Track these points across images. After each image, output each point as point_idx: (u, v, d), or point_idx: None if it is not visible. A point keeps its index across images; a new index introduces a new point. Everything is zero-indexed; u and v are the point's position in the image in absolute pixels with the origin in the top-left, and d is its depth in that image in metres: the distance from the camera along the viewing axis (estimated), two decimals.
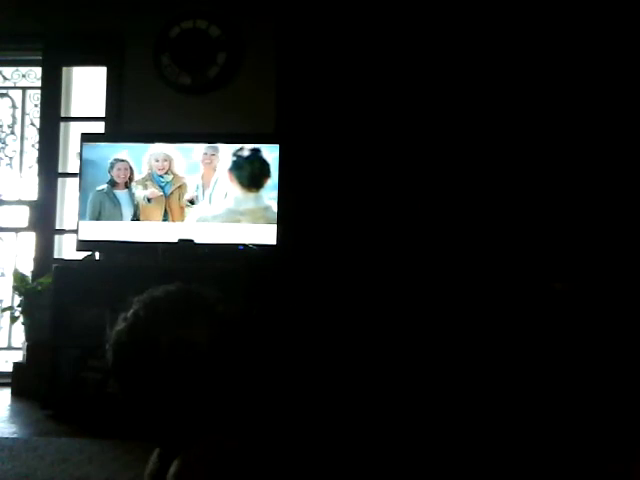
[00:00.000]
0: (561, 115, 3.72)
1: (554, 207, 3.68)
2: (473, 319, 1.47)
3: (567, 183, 3.69)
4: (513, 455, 1.38)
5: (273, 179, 3.67)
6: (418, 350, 1.50)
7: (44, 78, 4.27)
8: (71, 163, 4.33)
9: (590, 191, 3.66)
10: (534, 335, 1.42)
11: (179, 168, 3.74)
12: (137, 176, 3.76)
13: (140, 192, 3.75)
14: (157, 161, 3.76)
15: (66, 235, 4.23)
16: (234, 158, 3.72)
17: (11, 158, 4.51)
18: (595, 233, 3.60)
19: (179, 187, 3.74)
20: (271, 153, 3.68)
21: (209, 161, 3.71)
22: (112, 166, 3.77)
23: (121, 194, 3.77)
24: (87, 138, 3.86)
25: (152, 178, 3.76)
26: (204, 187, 3.71)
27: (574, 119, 3.70)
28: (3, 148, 4.51)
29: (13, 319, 4.04)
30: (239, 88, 4.05)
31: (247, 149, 3.71)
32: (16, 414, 3.48)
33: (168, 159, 3.75)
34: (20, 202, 4.35)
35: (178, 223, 3.74)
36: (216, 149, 3.72)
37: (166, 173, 3.75)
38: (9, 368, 3.95)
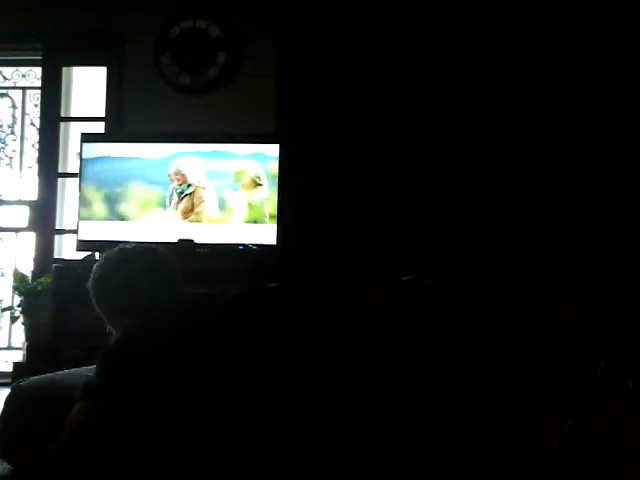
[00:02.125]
0: (570, 118, 3.72)
1: (562, 211, 3.69)
2: (477, 324, 1.47)
3: (573, 185, 3.69)
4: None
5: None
6: (421, 352, 1.50)
7: (44, 78, 4.26)
8: (71, 163, 4.33)
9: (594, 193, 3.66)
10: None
11: (193, 177, 3.75)
12: None
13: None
14: (176, 174, 3.77)
15: (66, 235, 4.23)
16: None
17: (11, 158, 4.51)
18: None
19: (193, 192, 3.75)
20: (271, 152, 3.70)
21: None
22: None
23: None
24: (87, 138, 3.87)
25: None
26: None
27: (584, 123, 3.70)
28: (3, 148, 4.51)
29: (13, 319, 4.04)
30: (239, 88, 4.05)
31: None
32: None
33: (179, 173, 3.77)
34: (20, 202, 4.35)
35: (178, 223, 3.74)
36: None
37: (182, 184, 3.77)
38: (9, 368, 3.95)
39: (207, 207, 3.73)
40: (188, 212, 3.75)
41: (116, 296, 1.78)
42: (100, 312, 1.85)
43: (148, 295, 1.75)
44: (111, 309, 1.81)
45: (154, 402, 1.51)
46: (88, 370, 1.96)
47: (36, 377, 1.87)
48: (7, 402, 1.78)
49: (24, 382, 1.83)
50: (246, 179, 3.71)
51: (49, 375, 1.92)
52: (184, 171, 3.76)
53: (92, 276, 1.86)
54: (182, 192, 3.76)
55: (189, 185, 3.76)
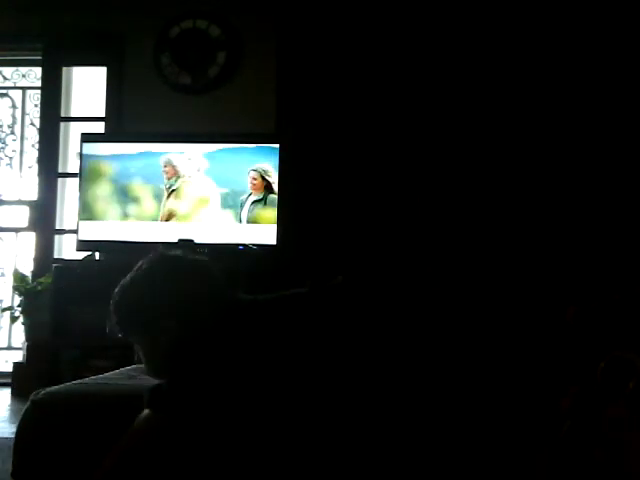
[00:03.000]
0: (566, 116, 3.72)
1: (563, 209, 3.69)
2: (478, 323, 1.48)
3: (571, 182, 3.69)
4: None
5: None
6: (419, 351, 1.49)
7: (44, 78, 4.27)
8: (71, 163, 4.33)
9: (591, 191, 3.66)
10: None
11: (185, 170, 3.75)
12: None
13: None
14: (165, 166, 3.77)
15: (66, 235, 4.23)
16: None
17: (11, 158, 4.51)
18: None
19: (179, 188, 3.75)
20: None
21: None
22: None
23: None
24: (87, 138, 3.87)
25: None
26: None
27: (580, 121, 3.70)
28: (3, 148, 4.51)
29: (13, 319, 4.04)
30: (239, 88, 4.05)
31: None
32: (16, 414, 3.48)
33: (169, 164, 3.76)
34: (20, 202, 4.35)
35: (178, 223, 3.74)
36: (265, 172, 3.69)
37: (170, 177, 3.76)
38: (9, 368, 3.95)
39: (194, 204, 3.73)
40: (174, 209, 3.75)
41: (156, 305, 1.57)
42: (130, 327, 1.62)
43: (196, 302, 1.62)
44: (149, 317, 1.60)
45: (220, 413, 1.45)
46: (105, 378, 1.89)
47: (53, 388, 1.76)
48: (25, 416, 1.67)
49: (41, 395, 1.70)
50: (255, 178, 3.70)
51: (66, 386, 1.80)
52: (174, 163, 3.75)
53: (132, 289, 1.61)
54: (170, 187, 3.75)
55: (177, 179, 3.75)
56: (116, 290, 1.61)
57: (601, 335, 1.39)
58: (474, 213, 3.75)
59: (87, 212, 3.77)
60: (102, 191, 3.77)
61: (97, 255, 3.93)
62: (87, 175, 3.78)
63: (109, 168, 3.77)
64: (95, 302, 3.57)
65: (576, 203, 3.66)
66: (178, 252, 1.68)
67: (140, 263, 1.63)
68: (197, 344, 1.51)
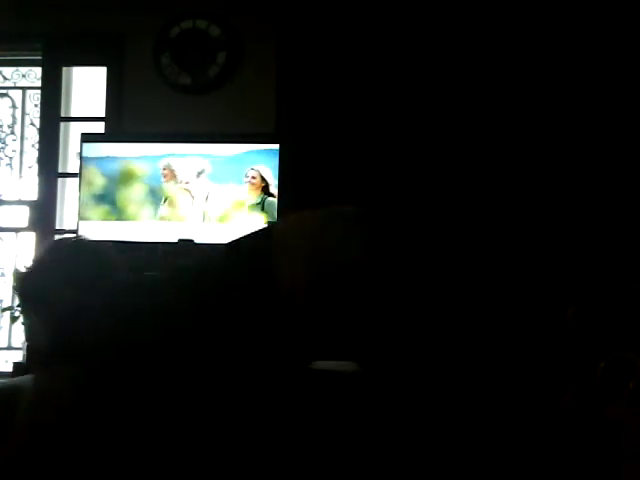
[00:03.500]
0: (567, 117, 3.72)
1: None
2: (477, 323, 1.48)
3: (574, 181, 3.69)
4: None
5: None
6: (418, 349, 1.49)
7: (44, 78, 4.27)
8: (71, 163, 4.33)
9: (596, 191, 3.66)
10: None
11: (183, 175, 3.75)
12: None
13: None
14: (164, 169, 3.78)
15: (66, 235, 4.23)
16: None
17: (11, 158, 4.51)
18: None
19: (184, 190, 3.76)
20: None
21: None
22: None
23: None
24: (87, 138, 3.87)
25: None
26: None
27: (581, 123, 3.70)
28: (3, 148, 4.51)
29: (13, 319, 4.04)
30: (239, 88, 4.06)
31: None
32: None
33: (167, 168, 3.77)
34: (20, 202, 4.35)
35: (178, 223, 3.74)
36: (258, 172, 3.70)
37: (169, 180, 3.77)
38: (9, 368, 3.95)
39: (194, 206, 3.73)
40: (174, 211, 3.76)
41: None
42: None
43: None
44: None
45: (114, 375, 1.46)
46: None
47: None
48: None
49: None
50: (254, 177, 3.71)
51: (7, 382, 1.87)
52: (173, 167, 3.75)
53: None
54: (170, 188, 3.76)
55: (176, 182, 3.75)
56: (21, 270, 1.93)
57: (601, 335, 1.39)
58: (475, 215, 3.75)
59: (116, 212, 3.79)
60: (133, 193, 3.78)
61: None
62: (119, 177, 3.80)
63: (139, 170, 3.79)
64: None
65: (576, 203, 3.66)
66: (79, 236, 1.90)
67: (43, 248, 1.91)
68: (85, 317, 1.56)
